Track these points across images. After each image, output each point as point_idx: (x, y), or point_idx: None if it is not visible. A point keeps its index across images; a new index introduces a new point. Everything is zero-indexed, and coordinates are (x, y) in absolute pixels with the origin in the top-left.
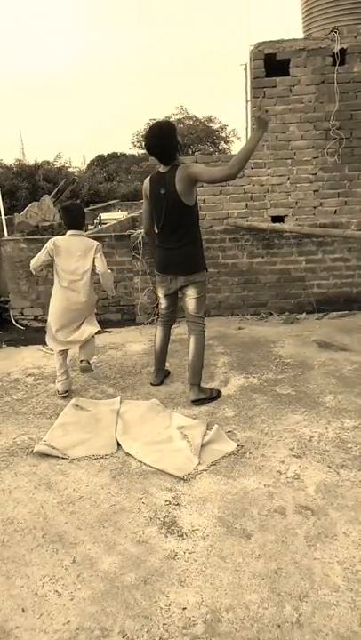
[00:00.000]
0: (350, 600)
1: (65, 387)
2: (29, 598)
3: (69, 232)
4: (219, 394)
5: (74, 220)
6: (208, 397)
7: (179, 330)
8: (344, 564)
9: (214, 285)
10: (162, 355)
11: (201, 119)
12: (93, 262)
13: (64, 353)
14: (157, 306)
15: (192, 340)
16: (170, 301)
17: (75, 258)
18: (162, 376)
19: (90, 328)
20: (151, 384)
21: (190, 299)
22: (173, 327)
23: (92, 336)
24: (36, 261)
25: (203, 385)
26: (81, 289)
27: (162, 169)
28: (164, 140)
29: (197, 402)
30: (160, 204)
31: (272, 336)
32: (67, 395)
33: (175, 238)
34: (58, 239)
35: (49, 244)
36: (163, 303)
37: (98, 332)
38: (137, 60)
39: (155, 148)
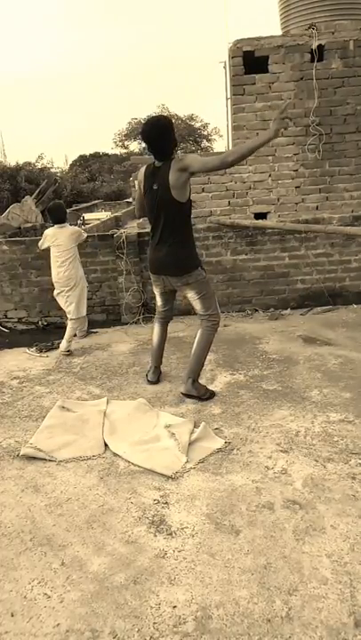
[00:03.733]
0: (339, 592)
1: None
2: (18, 602)
3: (56, 225)
4: (211, 395)
5: (57, 216)
6: (198, 395)
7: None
8: (332, 557)
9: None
10: (159, 351)
11: (183, 118)
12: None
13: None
14: (143, 305)
15: (198, 334)
16: (165, 300)
17: (60, 243)
18: (158, 373)
19: (71, 312)
20: (149, 381)
21: (193, 300)
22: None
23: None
24: (40, 245)
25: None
26: (64, 266)
27: (157, 163)
28: (163, 132)
29: (186, 396)
30: (152, 200)
31: (257, 332)
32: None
33: (166, 237)
34: (49, 230)
35: (44, 238)
36: (159, 301)
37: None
38: (117, 60)
39: (155, 141)
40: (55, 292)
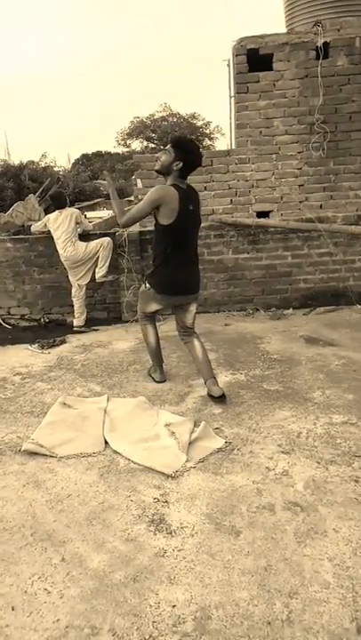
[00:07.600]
0: (341, 597)
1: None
2: (19, 597)
3: (57, 210)
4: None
5: (58, 202)
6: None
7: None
8: (334, 561)
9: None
10: (159, 349)
11: (185, 116)
12: (76, 224)
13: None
14: None
15: (196, 342)
16: (158, 310)
17: (63, 225)
18: (164, 371)
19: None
20: (157, 382)
21: (191, 313)
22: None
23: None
24: (35, 227)
25: (191, 381)
26: (67, 244)
27: (182, 184)
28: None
29: (223, 397)
30: (187, 221)
31: (259, 332)
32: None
33: (193, 258)
34: (50, 216)
35: (45, 221)
36: (151, 310)
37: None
38: (120, 59)
39: (195, 165)
40: (70, 274)
